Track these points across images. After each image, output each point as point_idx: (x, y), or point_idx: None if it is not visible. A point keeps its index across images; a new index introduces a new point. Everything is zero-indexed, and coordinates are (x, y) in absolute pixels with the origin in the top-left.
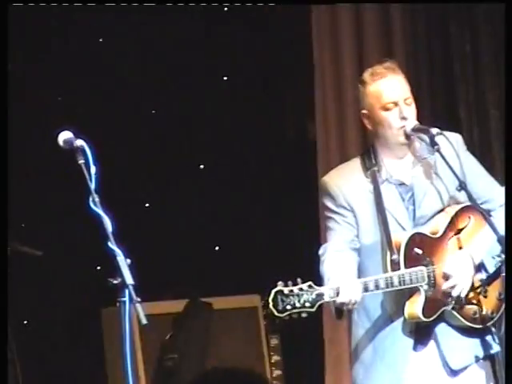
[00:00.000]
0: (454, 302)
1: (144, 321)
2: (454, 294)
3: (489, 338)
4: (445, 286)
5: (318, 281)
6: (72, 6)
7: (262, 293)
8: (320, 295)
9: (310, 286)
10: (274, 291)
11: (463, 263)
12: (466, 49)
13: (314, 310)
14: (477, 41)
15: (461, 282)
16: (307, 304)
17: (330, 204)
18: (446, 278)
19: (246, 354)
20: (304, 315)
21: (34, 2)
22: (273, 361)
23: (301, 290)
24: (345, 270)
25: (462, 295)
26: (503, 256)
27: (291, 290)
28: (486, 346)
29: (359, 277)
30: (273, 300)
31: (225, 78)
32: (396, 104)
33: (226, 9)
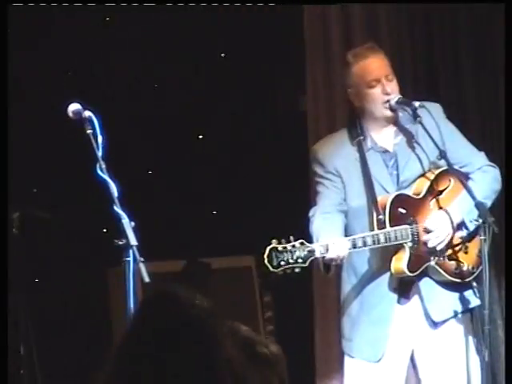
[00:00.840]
0: (435, 255)
1: (147, 279)
2: (431, 244)
3: (469, 292)
4: (425, 238)
5: (309, 240)
6: (72, 5)
7: (256, 254)
8: (311, 251)
9: (301, 243)
10: (268, 248)
11: (442, 219)
12: (445, 34)
13: (306, 265)
14: (456, 27)
15: (440, 235)
16: (300, 260)
17: (319, 170)
18: (427, 232)
19: (241, 310)
20: (297, 270)
21: (34, 2)
22: (266, 316)
23: (293, 246)
24: (332, 230)
25: (440, 247)
26: (480, 220)
27: (285, 247)
28: (466, 300)
29: (347, 237)
30: (268, 256)
31: (222, 55)
32: (379, 81)
33: None
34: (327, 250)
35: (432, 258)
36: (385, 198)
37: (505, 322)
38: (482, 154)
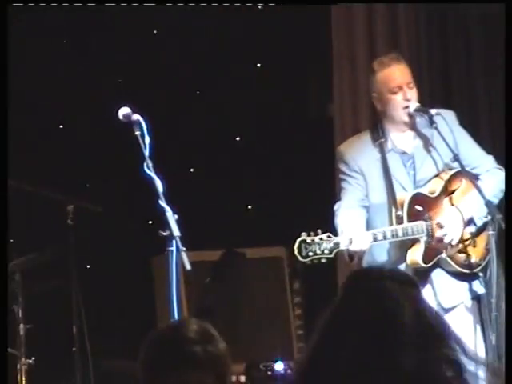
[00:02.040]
0: (446, 248)
1: (188, 266)
2: (446, 241)
3: (476, 282)
4: (438, 233)
5: (333, 231)
6: (72, 5)
7: (286, 245)
8: (337, 244)
9: (328, 236)
10: (298, 240)
11: (454, 216)
12: (459, 45)
13: (332, 256)
14: (469, 38)
15: (452, 231)
16: (326, 251)
17: (344, 168)
18: (440, 227)
19: (272, 296)
20: (323, 260)
21: (34, 2)
22: (295, 302)
23: (321, 239)
24: (355, 223)
25: (453, 243)
26: (489, 217)
27: (313, 240)
28: (473, 288)
29: (368, 230)
30: (297, 248)
31: (258, 65)
32: (400, 88)
33: (259, 7)
34: (351, 242)
35: (444, 251)
36: (403, 196)
37: (505, 319)
38: (491, 157)
